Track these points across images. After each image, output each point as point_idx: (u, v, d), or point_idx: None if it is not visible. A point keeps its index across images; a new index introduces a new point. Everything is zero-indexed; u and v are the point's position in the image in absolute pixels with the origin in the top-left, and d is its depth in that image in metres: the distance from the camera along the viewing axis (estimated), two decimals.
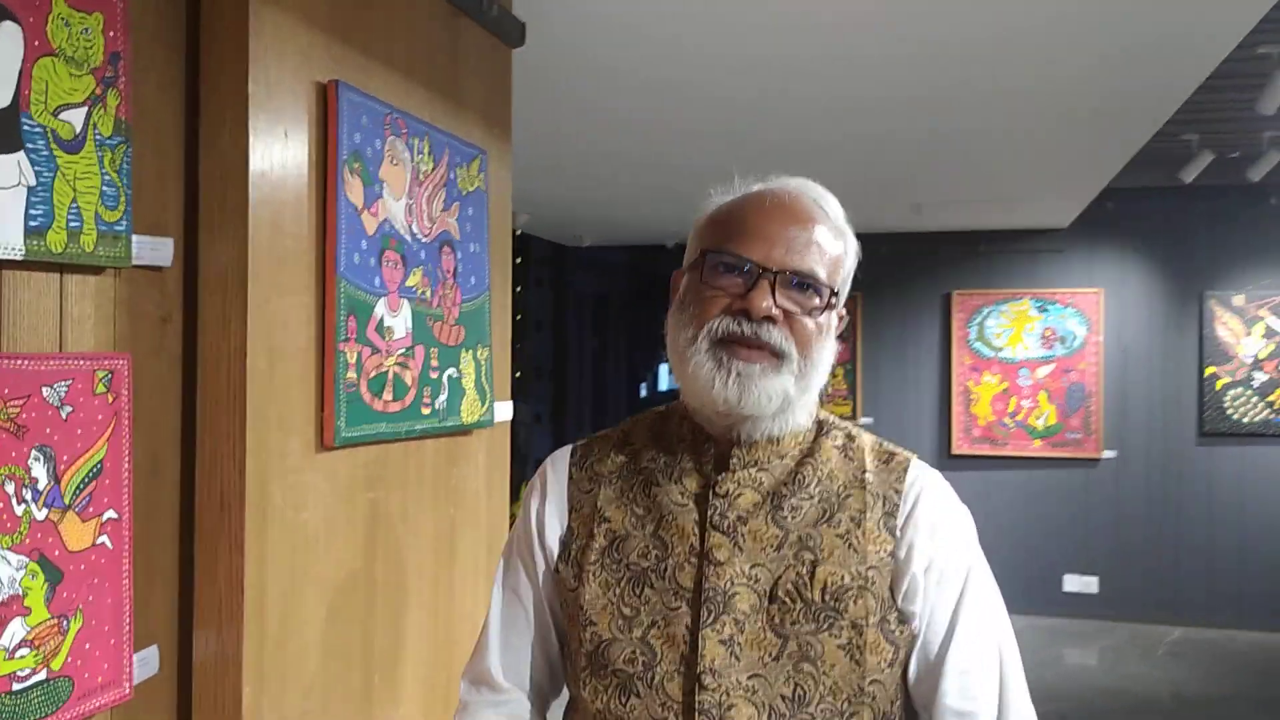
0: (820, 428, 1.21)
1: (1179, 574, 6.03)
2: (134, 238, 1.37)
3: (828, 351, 1.16)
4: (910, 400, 6.55)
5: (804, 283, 1.12)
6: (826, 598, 1.09)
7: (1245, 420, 5.92)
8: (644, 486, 1.19)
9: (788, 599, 1.09)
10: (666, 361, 1.22)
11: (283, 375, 1.53)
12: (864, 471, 1.16)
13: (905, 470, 1.17)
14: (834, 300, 1.16)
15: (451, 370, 1.95)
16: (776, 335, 1.11)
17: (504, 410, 2.23)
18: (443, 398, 1.92)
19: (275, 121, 1.50)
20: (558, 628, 1.25)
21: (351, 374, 1.64)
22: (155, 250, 1.43)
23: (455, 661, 2.03)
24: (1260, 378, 5.91)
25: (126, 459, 1.37)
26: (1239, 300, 5.91)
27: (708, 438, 1.18)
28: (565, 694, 1.27)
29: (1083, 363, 6.19)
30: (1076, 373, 6.20)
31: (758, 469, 1.15)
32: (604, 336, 8.79)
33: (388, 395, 1.74)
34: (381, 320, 1.72)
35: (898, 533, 1.13)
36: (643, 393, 9.05)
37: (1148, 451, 6.10)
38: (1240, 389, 5.92)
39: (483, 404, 2.08)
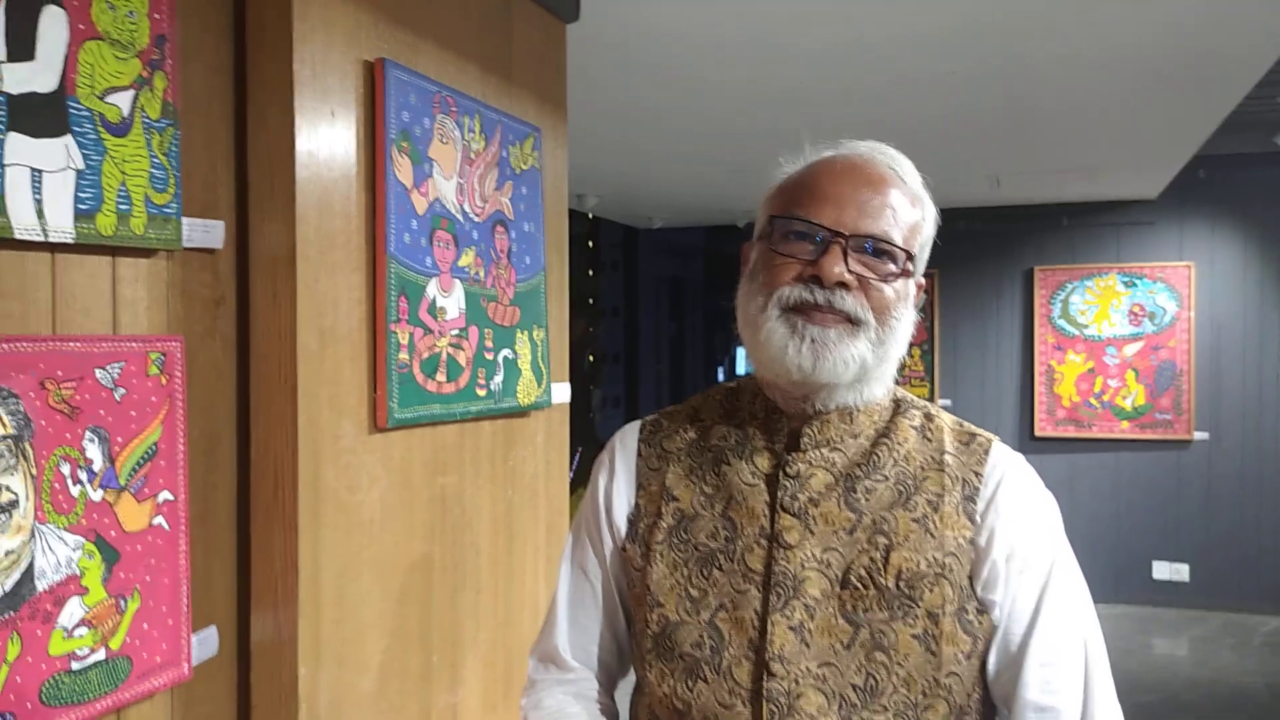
0: (897, 406, 1.16)
1: (1276, 561, 5.76)
2: (184, 220, 1.38)
3: (906, 321, 1.11)
4: (990, 381, 6.36)
5: (878, 248, 1.07)
6: (901, 584, 1.04)
7: None
8: (713, 464, 1.15)
9: (860, 585, 1.05)
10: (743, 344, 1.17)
11: (333, 356, 1.52)
12: (943, 453, 1.11)
13: (987, 453, 1.11)
14: (910, 266, 1.10)
15: (507, 351, 1.94)
16: (850, 301, 1.06)
17: (562, 392, 2.21)
18: (498, 379, 1.91)
19: (322, 101, 1.50)
20: (625, 607, 1.22)
21: (404, 355, 1.64)
22: (206, 232, 1.43)
23: (515, 644, 2.02)
24: None
25: (181, 441, 1.38)
26: None
27: (780, 414, 1.14)
28: (633, 674, 1.24)
29: (1173, 340, 5.93)
30: (1166, 350, 5.94)
31: (830, 449, 1.11)
32: (680, 319, 8.76)
33: (441, 376, 1.73)
34: (434, 301, 1.71)
35: (978, 518, 1.08)
36: (720, 376, 9.02)
37: (1243, 433, 5.83)
38: None
39: (539, 385, 2.06)
